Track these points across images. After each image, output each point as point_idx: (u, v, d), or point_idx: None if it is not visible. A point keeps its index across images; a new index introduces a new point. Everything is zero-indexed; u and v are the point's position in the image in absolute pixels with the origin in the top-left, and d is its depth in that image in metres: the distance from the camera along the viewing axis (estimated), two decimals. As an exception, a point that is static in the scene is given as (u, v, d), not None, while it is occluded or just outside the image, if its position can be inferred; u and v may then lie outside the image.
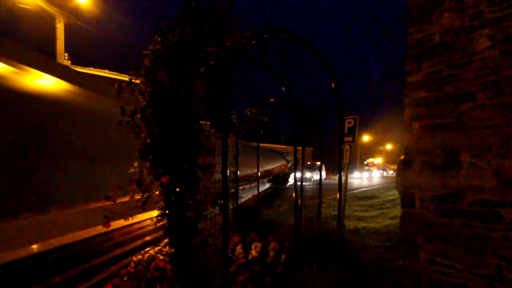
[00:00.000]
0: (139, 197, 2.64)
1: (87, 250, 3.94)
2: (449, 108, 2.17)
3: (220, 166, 2.59)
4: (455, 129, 2.13)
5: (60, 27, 11.43)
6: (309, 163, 27.61)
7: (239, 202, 6.13)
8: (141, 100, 2.78)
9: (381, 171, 37.87)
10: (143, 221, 5.28)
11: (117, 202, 2.59)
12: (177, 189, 2.64)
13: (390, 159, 47.53)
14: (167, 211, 2.68)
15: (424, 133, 2.30)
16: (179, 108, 2.73)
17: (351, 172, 29.76)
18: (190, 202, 2.71)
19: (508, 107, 1.91)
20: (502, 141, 1.92)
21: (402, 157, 2.48)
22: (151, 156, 2.66)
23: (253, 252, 4.13)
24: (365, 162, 42.65)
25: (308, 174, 22.49)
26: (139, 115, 2.74)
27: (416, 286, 2.29)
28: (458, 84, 2.13)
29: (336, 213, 4.20)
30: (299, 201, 5.95)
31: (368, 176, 29.17)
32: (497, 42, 1.96)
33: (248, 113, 6.13)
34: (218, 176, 2.91)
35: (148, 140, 2.69)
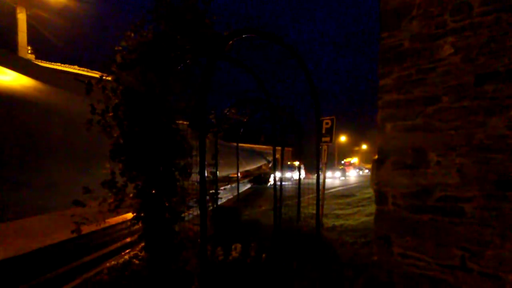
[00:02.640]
0: (112, 200, 2.55)
1: (56, 257, 3.75)
2: (418, 110, 2.29)
3: (198, 166, 2.56)
4: (423, 130, 2.26)
5: (21, 18, 10.68)
6: (289, 163, 27.94)
7: (219, 203, 6.09)
8: (113, 98, 2.68)
9: (357, 170, 39.12)
10: (118, 224, 5.10)
11: (89, 206, 2.48)
12: (153, 191, 2.57)
13: (366, 158, 49.29)
14: (142, 214, 2.61)
15: (396, 134, 2.41)
16: (154, 107, 2.66)
17: (333, 171, 30.49)
18: (166, 204, 2.66)
19: (468, 110, 2.05)
20: (464, 141, 2.06)
21: (375, 156, 2.58)
22: (124, 157, 2.58)
23: (233, 253, 4.12)
24: (342, 162, 43.88)
25: (288, 174, 22.75)
26: (110, 114, 2.64)
27: (390, 280, 2.40)
28: (425, 87, 2.25)
29: (314, 211, 4.28)
30: (279, 201, 6.01)
31: (341, 175, 30.03)
32: (459, 50, 2.10)
33: (227, 113, 6.11)
34: (196, 177, 2.88)
35: (121, 140, 2.60)
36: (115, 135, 2.65)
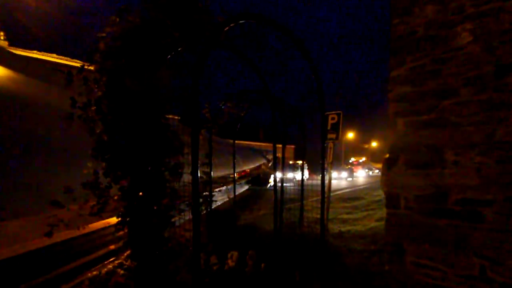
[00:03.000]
0: (94, 203, 2.55)
1: (30, 267, 3.74)
2: (433, 104, 2.28)
3: (190, 166, 2.56)
4: (439, 126, 2.25)
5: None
6: (290, 162, 27.97)
7: (213, 206, 6.09)
8: (96, 90, 2.67)
9: (366, 170, 39.25)
10: (101, 229, 5.09)
11: (69, 210, 2.47)
12: (140, 193, 2.57)
13: (376, 157, 49.43)
14: (127, 218, 2.61)
15: (409, 130, 2.41)
16: (142, 100, 2.65)
17: (339, 171, 30.58)
18: (155, 208, 2.66)
19: (489, 104, 2.05)
20: (484, 138, 2.06)
21: (386, 155, 2.58)
22: (108, 155, 2.57)
23: (229, 262, 4.13)
24: (350, 161, 43.98)
25: (290, 175, 22.77)
26: (93, 108, 2.63)
27: (401, 292, 2.40)
28: (441, 79, 2.24)
29: (319, 216, 4.30)
30: (280, 204, 6.02)
31: (348, 176, 30.13)
32: (478, 37, 2.08)
33: (223, 107, 6.09)
34: (188, 177, 2.88)
35: (105, 137, 2.60)
36: (98, 131, 2.64)
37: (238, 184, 15.34)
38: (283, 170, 6.74)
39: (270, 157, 23.60)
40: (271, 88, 4.01)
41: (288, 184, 10.06)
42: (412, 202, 2.37)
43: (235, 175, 8.56)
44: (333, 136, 6.23)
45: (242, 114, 6.94)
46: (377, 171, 42.70)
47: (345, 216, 8.20)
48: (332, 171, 7.05)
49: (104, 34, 2.66)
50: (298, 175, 23.31)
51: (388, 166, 2.58)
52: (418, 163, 2.35)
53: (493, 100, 2.03)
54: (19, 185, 2.98)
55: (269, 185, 19.96)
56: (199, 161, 2.62)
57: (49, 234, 2.41)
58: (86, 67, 2.70)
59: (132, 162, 2.58)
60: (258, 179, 20.67)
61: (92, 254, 4.62)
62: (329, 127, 6.25)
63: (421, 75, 2.35)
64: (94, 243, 4.89)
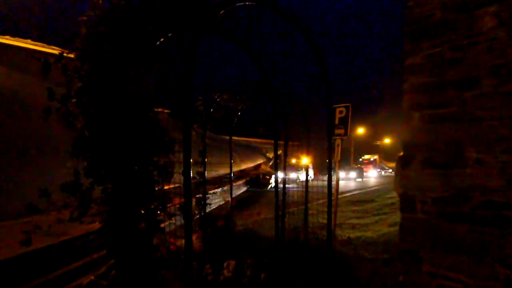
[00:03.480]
0: (75, 206, 2.55)
1: (5, 277, 3.74)
2: (453, 96, 2.28)
3: (182, 165, 2.55)
4: (460, 120, 2.25)
5: None
6: (293, 161, 27.96)
7: (207, 210, 6.10)
8: (76, 80, 2.66)
9: (378, 170, 39.31)
10: (82, 236, 5.09)
11: (47, 215, 2.47)
12: (125, 196, 2.57)
13: (389, 155, 49.47)
14: (111, 224, 2.61)
15: (425, 125, 2.40)
16: (128, 92, 2.65)
17: (348, 171, 30.64)
18: (142, 212, 2.66)
19: (515, 96, 2.04)
20: (510, 134, 2.05)
21: (400, 153, 2.58)
22: (90, 153, 2.56)
23: (225, 272, 4.14)
24: (360, 160, 44.03)
25: (293, 175, 22.80)
26: (73, 100, 2.62)
27: (417, 305, 2.41)
28: (462, 68, 2.23)
29: (325, 221, 4.30)
30: (281, 208, 6.03)
31: (357, 176, 30.20)
32: (503, 22, 2.07)
33: (218, 100, 6.08)
34: (179, 178, 2.87)
35: (86, 133, 2.59)
36: (79, 126, 2.63)
37: (235, 185, 15.37)
38: (285, 169, 6.74)
39: (271, 155, 23.62)
40: (272, 79, 4.00)
41: (291, 186, 10.07)
42: (429, 206, 2.37)
43: (232, 175, 8.56)
44: (341, 131, 6.23)
45: (240, 108, 6.93)
46: (390, 170, 42.75)
47: (354, 221, 8.23)
48: (340, 171, 7.06)
49: (85, 18, 2.64)
50: (302, 176, 23.39)
51: (403, 165, 2.58)
52: (436, 162, 2.35)
53: (520, 92, 2.03)
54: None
55: (269, 187, 20.00)
56: (191, 160, 2.61)
57: (26, 243, 2.41)
58: (65, 54, 2.68)
59: (116, 160, 2.57)
60: (257, 179, 20.71)
61: (72, 264, 4.62)
62: (336, 122, 6.25)
63: (439, 64, 2.34)
64: (75, 251, 4.89)
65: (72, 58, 2.67)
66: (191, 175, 2.53)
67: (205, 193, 5.89)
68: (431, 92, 2.38)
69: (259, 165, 23.60)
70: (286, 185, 6.36)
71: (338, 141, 6.46)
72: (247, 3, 2.71)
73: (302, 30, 2.98)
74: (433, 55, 2.38)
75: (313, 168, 27.19)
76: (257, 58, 3.67)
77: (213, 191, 10.79)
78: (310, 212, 6.90)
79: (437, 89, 2.36)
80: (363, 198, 13.35)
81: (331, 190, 3.76)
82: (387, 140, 55.90)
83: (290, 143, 6.87)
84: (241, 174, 20.59)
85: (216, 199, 10.94)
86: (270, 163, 24.21)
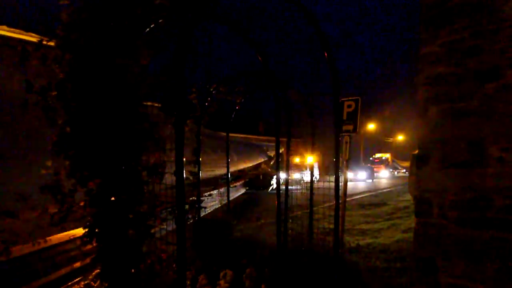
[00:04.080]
0: (56, 210, 2.55)
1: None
2: (473, 89, 2.27)
3: (174, 164, 2.55)
4: (481, 115, 2.24)
5: None
6: (297, 159, 27.96)
7: (202, 214, 6.10)
8: (57, 71, 2.65)
9: (391, 170, 39.31)
10: (64, 243, 5.10)
11: (26, 219, 2.47)
12: (112, 198, 2.57)
13: (402, 154, 49.43)
14: (96, 229, 2.61)
15: (443, 121, 2.40)
16: (114, 84, 2.64)
17: (358, 171, 30.67)
18: (130, 216, 2.66)
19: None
20: (538, 130, 2.05)
21: (415, 151, 2.58)
22: (73, 151, 2.56)
23: (222, 283, 4.15)
24: (370, 159, 44.01)
25: (296, 175, 22.78)
26: (54, 93, 2.61)
27: (433, 319, 2.42)
28: (484, 57, 2.22)
29: (332, 226, 4.30)
30: (284, 212, 6.02)
31: (368, 177, 30.25)
32: (532, 5, 2.06)
33: (214, 92, 6.07)
34: (171, 178, 2.87)
35: (68, 129, 2.58)
36: (60, 121, 2.62)
37: (232, 187, 15.37)
38: (288, 169, 6.74)
39: (273, 153, 23.63)
40: (274, 70, 3.99)
41: (294, 187, 10.06)
42: (447, 209, 2.37)
43: (229, 176, 8.55)
44: (350, 127, 6.22)
45: (238, 101, 6.92)
46: (403, 170, 42.69)
47: (364, 226, 8.25)
48: (348, 171, 7.06)
49: (67, 2, 2.63)
50: (306, 176, 23.35)
51: (418, 164, 2.57)
52: (455, 161, 2.35)
53: (549, 84, 2.02)
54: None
55: (270, 188, 20.01)
56: (184, 159, 2.61)
57: (6, 253, 2.42)
58: (45, 42, 2.68)
59: (102, 159, 2.57)
60: (257, 180, 20.72)
61: (53, 274, 4.62)
62: (344, 117, 6.24)
63: (458, 53, 2.34)
64: (56, 260, 4.89)
65: (53, 47, 2.66)
66: (184, 176, 2.52)
67: (199, 195, 5.89)
68: (450, 84, 2.38)
69: (259, 165, 23.60)
70: (289, 187, 6.36)
71: (347, 138, 6.46)
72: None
73: (300, 6, 2.97)
74: (451, 42, 2.37)
75: (319, 168, 27.26)
76: (255, 44, 3.65)
77: (208, 193, 10.80)
78: (315, 216, 6.90)
79: (456, 81, 2.35)
80: (374, 201, 13.37)
81: (338, 192, 3.75)
82: (400, 137, 55.83)
83: (293, 140, 6.86)
84: (239, 175, 20.60)
85: (211, 202, 10.96)
86: (271, 162, 24.19)
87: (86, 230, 2.65)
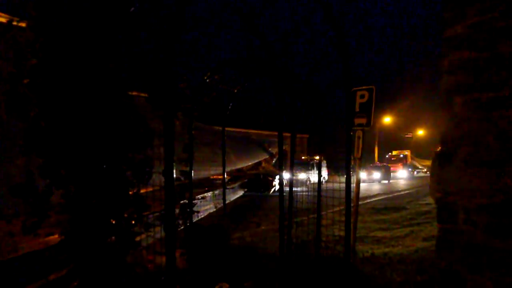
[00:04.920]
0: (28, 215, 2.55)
1: None
2: (505, 76, 2.27)
3: (163, 163, 2.55)
4: (514, 106, 2.24)
5: None
6: (303, 158, 28.03)
7: (195, 220, 6.12)
8: (29, 56, 2.65)
9: (410, 170, 39.37)
10: (37, 252, 5.12)
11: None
12: (92, 201, 2.57)
13: (423, 151, 49.48)
14: (74, 237, 2.62)
15: (470, 113, 2.40)
16: (94, 71, 2.64)
17: (371, 171, 30.70)
18: (113, 222, 2.67)
19: None
20: None
21: (438, 148, 2.58)
22: (47, 148, 2.56)
23: (217, 298, 4.16)
24: (386, 157, 44.06)
25: (302, 175, 22.86)
26: (25, 81, 2.61)
27: None
28: (518, 39, 2.22)
29: (343, 233, 4.32)
30: (288, 217, 6.03)
31: (383, 177, 30.30)
32: None
33: (208, 81, 6.06)
34: (159, 179, 2.87)
35: (42, 123, 2.58)
36: (32, 114, 2.62)
37: (229, 188, 15.40)
38: (292, 169, 6.74)
39: (275, 150, 23.62)
40: (276, 55, 3.98)
41: (299, 189, 10.07)
42: (474, 214, 2.37)
43: (226, 176, 8.56)
44: (363, 121, 6.21)
45: (235, 91, 6.91)
46: (424, 170, 42.77)
47: (379, 234, 8.26)
48: (361, 171, 7.07)
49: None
50: (313, 176, 23.43)
51: (441, 163, 2.57)
52: (483, 159, 2.35)
53: None
54: None
55: (272, 190, 20.04)
56: (174, 157, 2.61)
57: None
58: (15, 23, 2.67)
59: (80, 157, 2.57)
60: (257, 181, 20.75)
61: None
62: (357, 109, 6.24)
63: (488, 35, 2.33)
64: (27, 271, 4.90)
65: (24, 28, 2.66)
66: (174, 176, 2.52)
67: (191, 198, 5.90)
68: (478, 71, 2.37)
69: (259, 163, 23.62)
70: (293, 188, 6.37)
71: (359, 133, 6.45)
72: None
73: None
74: (480, 23, 2.36)
75: (327, 166, 27.32)
76: (251, 22, 3.64)
77: (201, 195, 10.82)
78: (323, 222, 6.92)
79: (485, 67, 2.35)
80: (391, 205, 13.38)
81: (350, 194, 3.76)
82: (420, 132, 55.86)
83: (298, 135, 6.86)
84: (237, 175, 20.63)
85: (205, 206, 10.98)
86: (273, 161, 24.22)
87: (63, 237, 2.65)
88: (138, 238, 2.90)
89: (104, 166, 2.66)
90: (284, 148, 4.53)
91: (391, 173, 33.06)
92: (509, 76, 2.25)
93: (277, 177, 19.85)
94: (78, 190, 2.58)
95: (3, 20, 2.74)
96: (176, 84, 5.17)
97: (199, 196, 10.49)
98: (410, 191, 20.29)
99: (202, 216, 9.91)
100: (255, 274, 4.84)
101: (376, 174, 30.75)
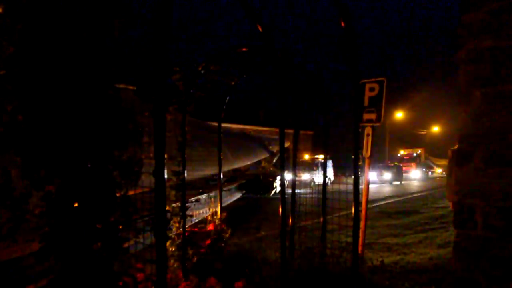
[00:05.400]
0: (4, 220, 2.55)
1: None
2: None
3: (153, 162, 2.55)
4: (539, 100, 2.24)
5: None
6: (307, 156, 28.10)
7: (188, 225, 6.12)
8: (5, 44, 2.64)
9: (424, 170, 39.45)
10: (15, 260, 5.11)
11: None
12: (74, 204, 2.57)
13: (438, 149, 49.50)
14: (55, 243, 2.61)
15: (491, 108, 2.39)
16: (77, 61, 2.63)
17: (382, 171, 30.74)
18: (98, 227, 2.66)
19: None
20: None
21: (455, 146, 2.57)
22: (25, 146, 2.55)
23: (212, 309, 4.17)
24: (398, 155, 44.12)
25: (305, 176, 22.91)
26: (1, 72, 2.60)
27: None
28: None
29: (350, 239, 4.32)
30: (290, 222, 6.04)
31: (394, 178, 30.32)
32: None
33: (203, 72, 6.05)
34: (149, 180, 2.87)
35: (20, 117, 2.58)
36: (9, 108, 2.62)
37: (226, 190, 15.41)
38: (294, 168, 6.74)
39: (276, 148, 23.63)
40: (279, 45, 3.96)
41: (303, 191, 10.08)
42: (495, 219, 2.37)
43: (222, 177, 8.57)
44: (372, 116, 6.22)
45: (233, 83, 6.90)
46: (440, 170, 42.90)
47: (390, 240, 8.28)
48: (370, 171, 7.06)
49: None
50: (318, 177, 23.51)
51: (458, 163, 2.56)
52: (505, 159, 2.35)
53: None
54: None
55: (273, 192, 20.09)
56: (166, 155, 2.60)
57: None
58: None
59: (62, 156, 2.56)
60: (256, 182, 20.79)
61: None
62: (366, 103, 6.23)
63: (510, 21, 2.32)
64: (3, 281, 4.90)
65: (0, 13, 2.65)
66: (166, 176, 2.52)
67: (184, 201, 5.90)
68: (500, 62, 2.37)
69: (259, 163, 23.64)
70: (296, 190, 6.37)
71: (368, 130, 6.45)
72: None
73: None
74: (501, 8, 2.36)
75: (334, 166, 27.42)
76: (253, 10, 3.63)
77: (195, 198, 10.82)
78: (329, 227, 6.93)
79: (507, 57, 2.34)
80: (403, 209, 13.42)
81: (358, 197, 3.76)
82: (435, 129, 55.88)
83: (302, 132, 6.87)
84: (234, 175, 20.65)
85: (199, 209, 10.98)
86: (274, 160, 24.23)
87: (43, 244, 2.65)
88: (126, 245, 2.89)
89: (89, 166, 2.65)
90: (286, 146, 4.52)
91: (403, 174, 33.12)
92: (534, 67, 2.24)
93: (278, 178, 19.88)
94: (59, 192, 2.57)
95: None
96: (167, 76, 5.17)
97: (193, 199, 10.50)
98: (424, 193, 20.34)
99: (196, 220, 9.92)
100: (254, 284, 4.84)
101: (387, 175, 30.83)
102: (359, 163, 3.83)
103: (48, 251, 2.65)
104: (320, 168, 23.77)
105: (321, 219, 6.86)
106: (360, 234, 5.30)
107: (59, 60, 2.59)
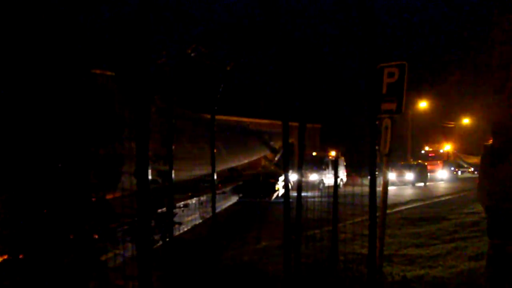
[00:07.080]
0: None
1: None
2: None
3: (135, 161, 2.55)
4: None
5: None
6: (314, 154, 28.07)
7: (176, 234, 6.12)
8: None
9: (452, 169, 39.40)
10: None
11: None
12: (43, 211, 2.57)
13: (469, 146, 49.47)
14: (20, 256, 2.62)
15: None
16: (46, 41, 2.63)
17: (403, 171, 30.66)
18: (70, 237, 2.67)
19: None
20: None
21: (489, 141, 2.57)
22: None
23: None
24: (422, 152, 44.08)
25: (313, 177, 22.91)
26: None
27: None
28: None
29: (366, 251, 4.32)
30: (296, 231, 6.05)
31: (417, 179, 30.24)
32: None
33: (193, 55, 6.04)
34: (130, 181, 2.88)
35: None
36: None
37: (220, 193, 15.41)
38: (300, 168, 6.74)
39: (278, 145, 23.63)
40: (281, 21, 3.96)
41: (310, 194, 10.08)
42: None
43: (215, 178, 8.58)
44: (392, 106, 6.20)
45: (229, 69, 6.89)
46: (471, 169, 42.86)
47: (413, 251, 8.28)
48: (389, 171, 7.06)
49: None
50: (327, 178, 23.50)
51: (494, 161, 2.57)
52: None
53: None
54: None
55: (275, 196, 20.08)
56: (150, 153, 2.61)
57: None
58: None
59: (26, 154, 2.57)
60: (255, 184, 20.74)
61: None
62: (384, 91, 6.22)
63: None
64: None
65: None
66: (150, 177, 2.52)
67: (171, 205, 5.90)
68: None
69: (258, 161, 23.63)
70: (303, 193, 6.38)
71: (387, 122, 6.43)
72: None
73: None
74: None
75: (346, 165, 27.39)
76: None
77: (184, 202, 10.82)
78: (341, 236, 6.95)
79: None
80: (428, 214, 13.41)
81: (375, 201, 3.76)
82: (466, 121, 55.76)
83: (308, 125, 6.87)
84: (230, 175, 20.64)
85: (189, 216, 10.98)
86: (277, 158, 24.22)
87: (5, 257, 2.65)
88: (103, 257, 2.90)
89: (59, 165, 2.65)
90: (290, 141, 4.52)
91: (428, 174, 33.08)
92: None
93: (281, 178, 19.87)
94: (23, 197, 2.57)
95: None
96: (151, 60, 5.15)
97: (181, 204, 10.50)
98: (453, 196, 20.34)
99: (186, 229, 9.93)
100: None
101: (409, 175, 30.76)
102: (376, 161, 3.83)
103: (13, 265, 2.65)
104: (330, 167, 23.79)
105: (332, 227, 6.88)
106: (378, 245, 5.30)
107: (22, 42, 2.59)
